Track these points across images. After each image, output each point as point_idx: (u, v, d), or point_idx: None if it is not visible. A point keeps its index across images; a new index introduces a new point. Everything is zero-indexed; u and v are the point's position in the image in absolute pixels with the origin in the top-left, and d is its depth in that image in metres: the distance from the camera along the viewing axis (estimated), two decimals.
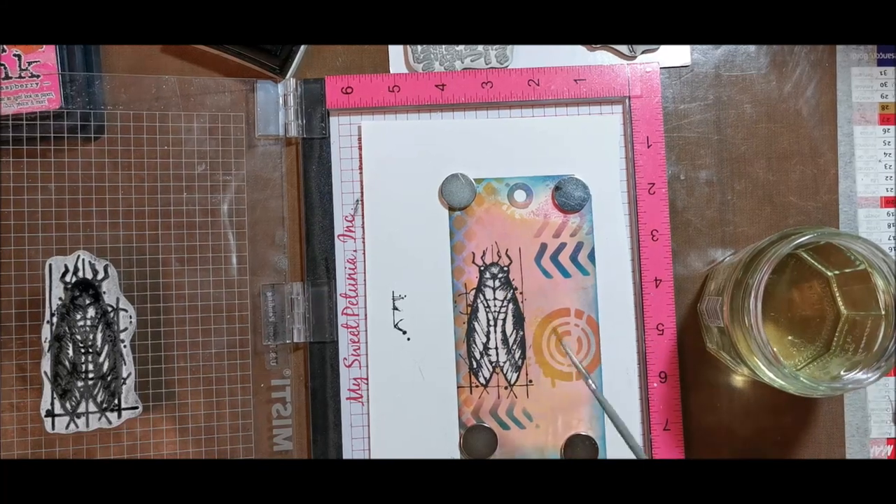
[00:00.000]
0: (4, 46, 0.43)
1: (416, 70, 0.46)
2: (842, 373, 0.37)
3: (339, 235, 0.46)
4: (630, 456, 0.41)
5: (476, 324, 0.45)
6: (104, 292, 0.43)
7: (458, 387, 0.45)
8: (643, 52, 0.46)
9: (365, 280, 0.45)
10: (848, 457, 0.45)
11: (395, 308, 0.45)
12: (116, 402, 0.42)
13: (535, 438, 0.45)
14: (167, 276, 0.44)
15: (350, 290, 0.45)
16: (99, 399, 0.42)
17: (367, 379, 0.45)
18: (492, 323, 0.45)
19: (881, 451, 0.45)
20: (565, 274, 0.45)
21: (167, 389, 0.44)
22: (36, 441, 0.43)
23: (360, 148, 0.46)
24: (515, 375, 0.45)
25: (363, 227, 0.46)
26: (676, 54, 0.46)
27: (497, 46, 0.46)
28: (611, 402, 0.44)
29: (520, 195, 0.46)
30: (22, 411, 0.44)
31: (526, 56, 0.46)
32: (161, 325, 0.44)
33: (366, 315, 0.45)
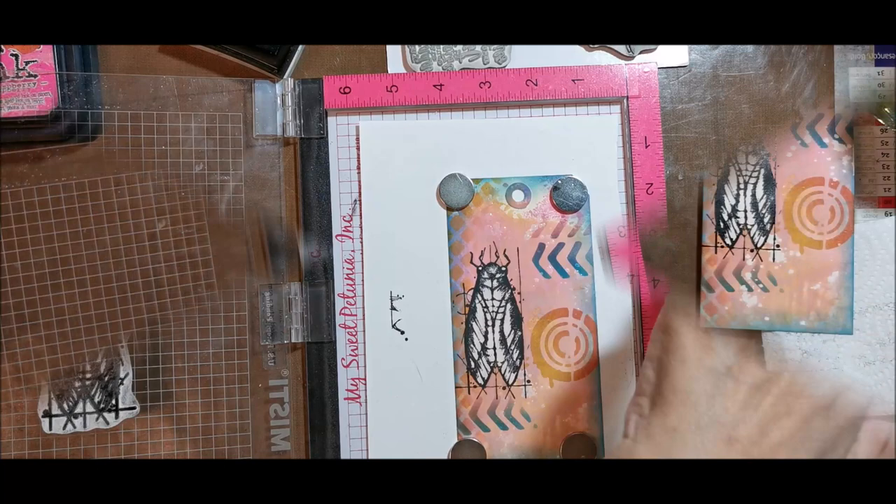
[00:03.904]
0: (2, 46, 0.43)
1: (414, 70, 0.46)
2: None
3: (336, 235, 0.46)
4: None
5: (474, 324, 0.45)
6: None
7: (455, 387, 0.45)
8: (641, 53, 0.46)
9: (363, 280, 0.45)
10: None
11: (392, 308, 0.45)
12: (114, 402, 0.42)
13: (534, 438, 0.45)
14: None
15: (348, 290, 0.45)
16: (96, 399, 0.42)
17: (364, 379, 0.45)
18: (490, 323, 0.45)
19: None
20: (563, 274, 0.45)
21: (165, 390, 0.44)
22: (33, 441, 0.43)
23: (357, 148, 0.46)
24: (513, 375, 0.45)
25: (361, 228, 0.46)
26: (674, 54, 0.46)
27: (495, 46, 0.46)
28: (609, 401, 0.44)
29: (518, 195, 0.46)
30: (19, 412, 0.43)
31: (524, 56, 0.46)
32: (158, 324, 0.44)
33: (363, 315, 0.45)
